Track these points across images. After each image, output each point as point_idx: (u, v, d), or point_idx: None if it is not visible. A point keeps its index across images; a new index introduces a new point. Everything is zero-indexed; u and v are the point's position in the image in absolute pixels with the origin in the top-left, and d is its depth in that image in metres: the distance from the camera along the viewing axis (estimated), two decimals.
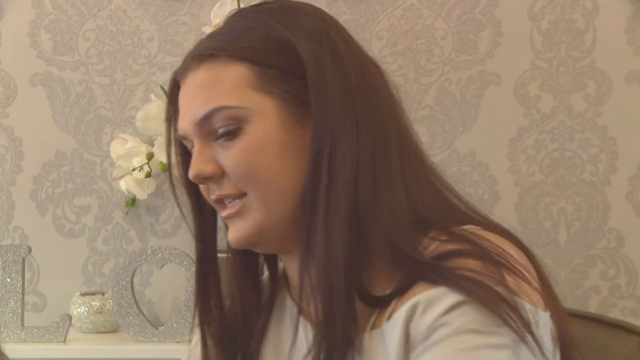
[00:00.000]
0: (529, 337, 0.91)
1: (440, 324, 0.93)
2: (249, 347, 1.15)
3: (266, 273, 1.19)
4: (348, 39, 1.09)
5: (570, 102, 2.32)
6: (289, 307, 1.13)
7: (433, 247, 1.01)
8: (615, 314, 2.22)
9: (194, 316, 1.14)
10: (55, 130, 2.37)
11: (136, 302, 2.03)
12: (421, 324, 0.95)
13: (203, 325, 1.14)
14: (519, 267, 0.97)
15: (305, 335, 1.08)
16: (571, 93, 2.32)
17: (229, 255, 1.15)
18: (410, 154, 1.06)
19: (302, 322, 1.08)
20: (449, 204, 1.07)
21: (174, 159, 1.12)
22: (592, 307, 2.26)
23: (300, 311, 1.07)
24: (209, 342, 1.14)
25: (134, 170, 2.21)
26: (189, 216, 1.13)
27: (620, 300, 2.29)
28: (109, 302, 2.13)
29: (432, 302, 0.95)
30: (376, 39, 2.35)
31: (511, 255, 0.98)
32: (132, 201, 2.30)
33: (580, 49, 2.33)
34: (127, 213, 2.34)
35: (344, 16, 2.34)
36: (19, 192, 2.37)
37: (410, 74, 2.34)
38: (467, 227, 1.02)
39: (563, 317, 1.01)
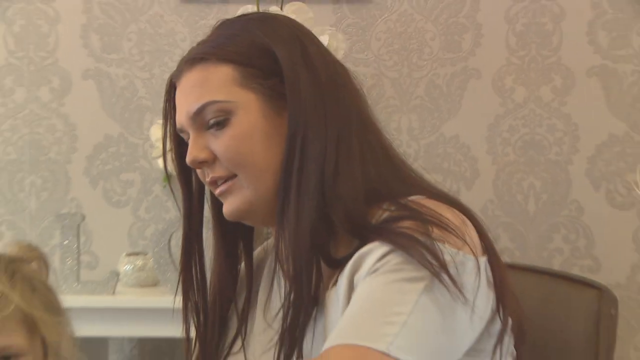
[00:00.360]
0: (444, 275, 0.93)
1: (374, 270, 0.95)
2: (231, 311, 1.17)
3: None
4: (318, 43, 1.11)
5: (539, 93, 2.33)
6: (272, 268, 1.14)
7: (384, 216, 1.03)
8: (575, 272, 2.24)
9: (177, 283, 1.17)
10: (103, 117, 2.38)
11: (173, 261, 2.05)
12: (361, 273, 0.97)
13: (186, 292, 1.17)
14: (447, 223, 0.98)
15: (281, 293, 1.09)
16: (540, 85, 2.33)
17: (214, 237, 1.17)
18: (370, 139, 1.09)
19: (282, 280, 1.09)
20: (402, 178, 1.10)
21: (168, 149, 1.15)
22: (556, 265, 2.28)
23: (278, 270, 1.09)
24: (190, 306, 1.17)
25: (170, 150, 2.21)
26: (179, 199, 1.17)
27: (579, 259, 2.31)
28: (150, 261, 2.14)
29: (367, 253, 0.98)
30: (375, 39, 2.35)
31: (443, 216, 0.99)
32: (169, 176, 2.30)
33: (548, 48, 2.33)
34: (164, 187, 2.36)
35: (348, 20, 2.35)
36: (74, 169, 2.39)
37: (404, 69, 2.35)
38: (412, 197, 1.04)
39: (499, 265, 1.03)
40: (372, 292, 0.94)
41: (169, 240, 2.07)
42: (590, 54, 2.32)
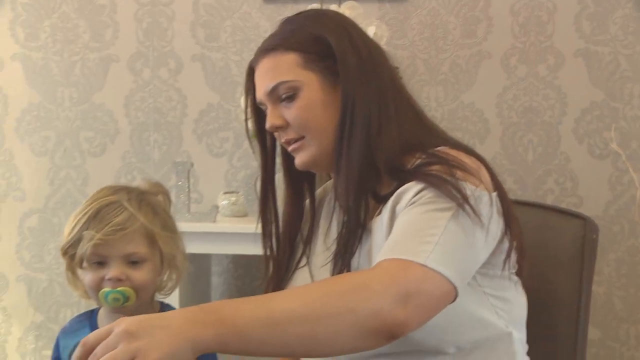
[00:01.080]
0: (466, 205, 0.92)
1: (411, 202, 0.95)
2: (298, 237, 1.16)
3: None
4: (360, 31, 1.10)
5: (536, 70, 2.25)
6: (333, 203, 1.13)
7: (417, 162, 1.02)
8: (563, 206, 2.18)
9: (257, 221, 1.17)
10: (206, 90, 2.37)
11: (258, 198, 2.04)
12: (401, 205, 0.97)
13: (264, 223, 1.16)
14: (467, 167, 0.98)
15: (337, 220, 1.09)
16: (537, 64, 2.25)
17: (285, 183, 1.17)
18: (404, 104, 1.07)
19: (337, 212, 1.08)
20: (430, 134, 1.08)
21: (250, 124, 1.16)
22: (549, 202, 2.22)
23: (336, 205, 1.09)
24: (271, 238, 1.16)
25: (250, 118, 2.21)
26: (257, 155, 1.17)
27: (566, 197, 2.25)
28: (241, 198, 2.15)
29: (406, 190, 0.97)
30: (410, 29, 2.29)
31: (464, 162, 0.99)
32: (253, 135, 2.30)
33: (544, 35, 2.25)
34: (251, 142, 2.34)
35: (389, 15, 2.28)
36: (185, 128, 2.39)
37: (432, 52, 2.29)
38: (439, 148, 1.03)
39: (506, 199, 1.02)
40: (411, 219, 0.93)
41: (255, 182, 2.05)
42: (576, 39, 2.23)
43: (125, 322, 0.75)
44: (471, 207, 0.92)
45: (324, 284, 0.86)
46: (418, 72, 2.29)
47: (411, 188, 0.97)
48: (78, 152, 2.41)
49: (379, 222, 1.01)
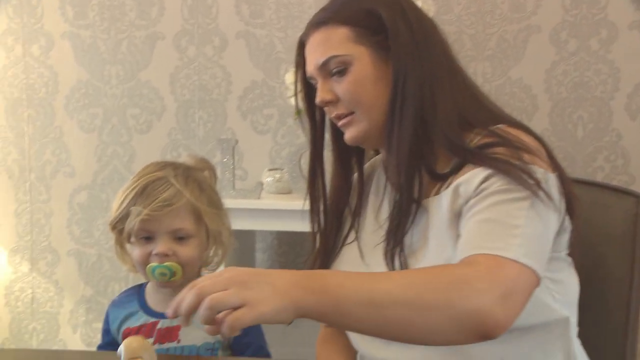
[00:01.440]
0: (541, 192, 0.90)
1: (480, 190, 0.93)
2: (346, 212, 1.15)
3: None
4: (413, 5, 1.07)
5: (588, 43, 2.19)
6: (382, 179, 1.13)
7: (476, 140, 0.99)
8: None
9: (306, 191, 1.15)
10: (250, 66, 2.37)
11: (302, 175, 2.05)
12: (467, 192, 0.94)
13: (312, 198, 1.15)
14: (531, 147, 0.96)
15: (388, 197, 1.07)
16: (589, 38, 2.19)
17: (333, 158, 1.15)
18: (458, 78, 1.05)
19: (389, 189, 1.07)
20: (486, 110, 1.05)
21: (300, 98, 1.14)
22: (598, 180, 2.16)
23: (387, 181, 1.08)
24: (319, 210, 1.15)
25: (300, 91, 2.20)
26: (307, 129, 1.15)
27: (617, 175, 2.20)
28: (285, 175, 2.15)
29: (471, 177, 0.95)
30: (456, 4, 2.25)
31: (525, 141, 0.96)
32: (299, 111, 2.29)
33: (596, 7, 2.18)
34: (295, 119, 2.35)
35: None
36: (229, 105, 2.40)
37: (479, 27, 2.24)
38: (498, 125, 1.00)
39: (566, 179, 0.99)
40: (490, 211, 0.91)
41: (299, 159, 2.06)
42: (631, 11, 2.15)
43: (235, 271, 0.79)
44: (545, 192, 0.91)
45: (424, 273, 0.86)
46: (464, 47, 2.25)
47: (478, 174, 0.94)
48: (125, 129, 2.45)
49: (437, 203, 0.99)
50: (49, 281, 2.54)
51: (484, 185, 0.93)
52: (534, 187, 0.90)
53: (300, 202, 1.98)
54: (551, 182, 0.94)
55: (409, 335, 0.82)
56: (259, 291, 0.76)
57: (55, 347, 2.53)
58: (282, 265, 2.40)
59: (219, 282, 0.76)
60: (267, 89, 2.37)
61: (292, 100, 2.23)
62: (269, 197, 2.11)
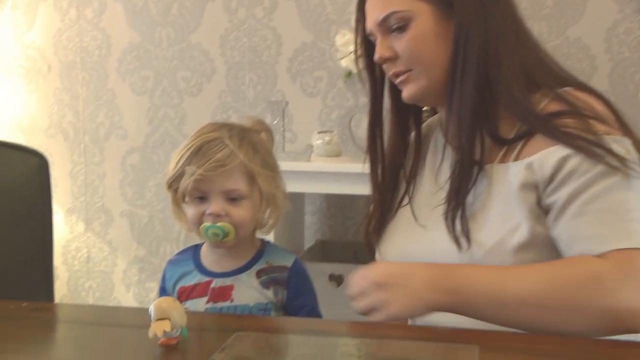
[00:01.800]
0: (629, 169, 0.88)
1: (565, 177, 0.91)
2: (401, 174, 1.13)
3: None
4: None
5: None
6: (440, 140, 1.11)
7: (543, 104, 0.96)
8: None
9: (365, 152, 1.14)
10: (300, 28, 2.35)
11: (352, 137, 2.04)
12: (544, 169, 0.92)
13: (372, 158, 1.13)
14: (602, 115, 0.93)
15: (449, 159, 1.05)
16: None
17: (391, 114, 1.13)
18: (523, 36, 1.02)
19: (448, 150, 1.06)
20: (551, 70, 1.02)
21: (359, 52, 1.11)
22: None
23: (448, 143, 1.06)
24: (378, 168, 1.14)
25: (350, 53, 2.18)
26: (366, 87, 1.12)
27: None
28: (335, 137, 2.14)
29: (548, 155, 0.92)
30: None
31: (596, 108, 0.93)
32: (349, 74, 2.28)
33: None
34: (345, 81, 2.33)
35: None
36: (279, 68, 2.39)
37: None
38: (565, 89, 0.97)
39: (638, 141, 0.96)
40: (593, 202, 0.89)
41: (349, 122, 2.05)
42: None
43: (375, 273, 0.92)
44: (631, 167, 0.89)
45: (552, 271, 0.88)
46: (520, 6, 2.16)
47: (554, 153, 0.92)
48: (175, 92, 2.47)
49: (502, 172, 0.97)
50: (103, 241, 2.61)
51: (567, 169, 0.90)
52: (621, 166, 0.88)
53: (349, 165, 1.99)
54: (632, 150, 0.92)
55: (542, 331, 0.86)
56: (393, 293, 0.90)
57: (110, 305, 2.60)
58: (331, 228, 2.41)
59: (365, 289, 0.92)
60: (317, 51, 2.35)
61: (343, 63, 2.21)
62: (319, 159, 2.11)
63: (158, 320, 0.83)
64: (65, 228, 2.62)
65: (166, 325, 0.82)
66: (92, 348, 0.88)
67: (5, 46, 2.57)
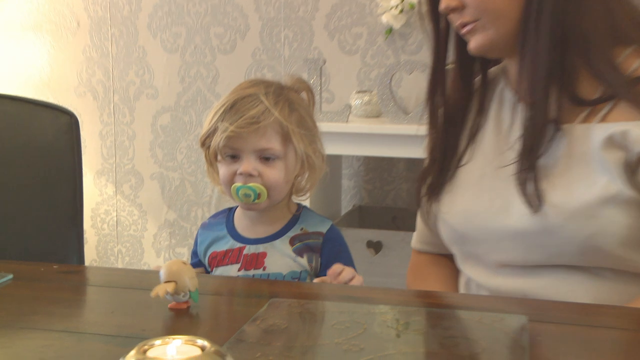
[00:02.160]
0: None
1: None
2: (465, 128, 1.09)
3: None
4: None
5: None
6: (508, 97, 1.06)
7: (635, 65, 0.91)
8: None
9: (424, 107, 1.11)
10: None
11: (393, 97, 2.01)
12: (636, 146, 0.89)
13: (431, 112, 1.10)
14: None
15: (520, 117, 1.01)
16: None
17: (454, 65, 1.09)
18: None
19: (521, 107, 1.02)
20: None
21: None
22: None
23: (519, 100, 1.02)
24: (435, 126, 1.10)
25: (391, 8, 2.14)
26: (430, 37, 1.08)
27: None
28: (375, 97, 2.11)
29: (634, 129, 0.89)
30: None
31: None
32: (390, 30, 2.24)
33: None
34: (386, 38, 2.28)
35: None
36: (317, 24, 2.35)
37: None
38: None
39: None
40: None
41: (390, 81, 2.01)
42: None
43: None
44: None
45: None
46: None
47: None
48: (208, 49, 2.45)
49: (585, 133, 0.94)
50: (133, 204, 2.63)
51: None
52: None
53: (389, 126, 1.96)
54: None
55: None
56: None
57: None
58: (369, 193, 2.39)
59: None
60: (356, 6, 2.30)
61: (383, 18, 2.17)
62: (357, 120, 2.08)
63: (165, 282, 0.84)
64: (94, 190, 2.65)
65: (169, 287, 0.82)
66: (122, 312, 0.88)
67: (33, 2, 2.58)
